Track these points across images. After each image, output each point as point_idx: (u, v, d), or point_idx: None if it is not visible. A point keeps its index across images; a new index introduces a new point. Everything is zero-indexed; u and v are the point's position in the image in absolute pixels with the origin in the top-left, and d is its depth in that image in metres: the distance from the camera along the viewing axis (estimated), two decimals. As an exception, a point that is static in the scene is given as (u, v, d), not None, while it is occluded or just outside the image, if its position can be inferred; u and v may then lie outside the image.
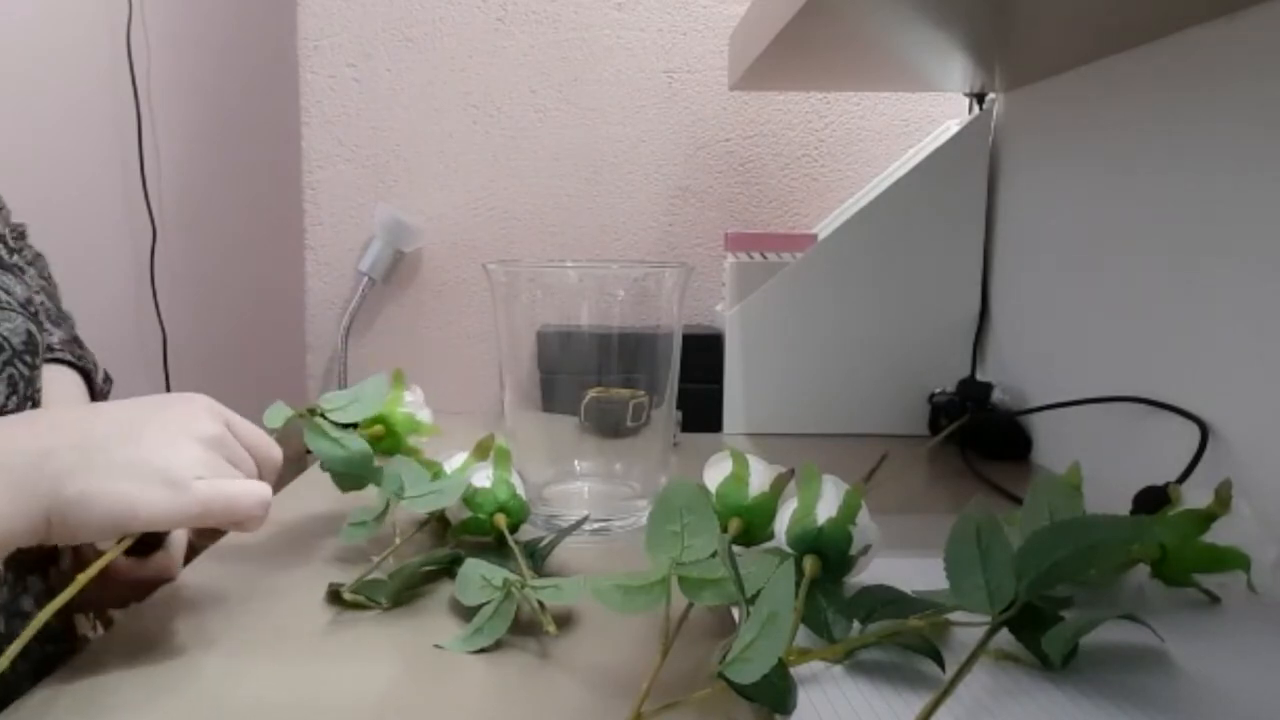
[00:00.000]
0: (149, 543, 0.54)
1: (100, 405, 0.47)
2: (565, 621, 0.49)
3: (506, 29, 1.11)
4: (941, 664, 0.42)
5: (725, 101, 1.13)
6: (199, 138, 1.56)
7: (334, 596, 0.52)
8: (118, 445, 0.42)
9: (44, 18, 1.45)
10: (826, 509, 0.49)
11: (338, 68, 1.11)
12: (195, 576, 0.56)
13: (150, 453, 0.43)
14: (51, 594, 0.62)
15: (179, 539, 0.56)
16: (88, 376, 0.69)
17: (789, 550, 0.49)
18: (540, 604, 0.47)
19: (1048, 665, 0.41)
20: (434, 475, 0.62)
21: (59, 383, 0.66)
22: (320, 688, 0.43)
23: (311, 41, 1.11)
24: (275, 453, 0.51)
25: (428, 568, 0.54)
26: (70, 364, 0.68)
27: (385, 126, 1.12)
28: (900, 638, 0.42)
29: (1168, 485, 0.60)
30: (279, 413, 0.59)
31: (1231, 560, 0.49)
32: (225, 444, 0.47)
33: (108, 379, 0.72)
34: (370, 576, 0.52)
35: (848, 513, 0.49)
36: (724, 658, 0.37)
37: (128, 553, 0.53)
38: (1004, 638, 0.40)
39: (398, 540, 0.55)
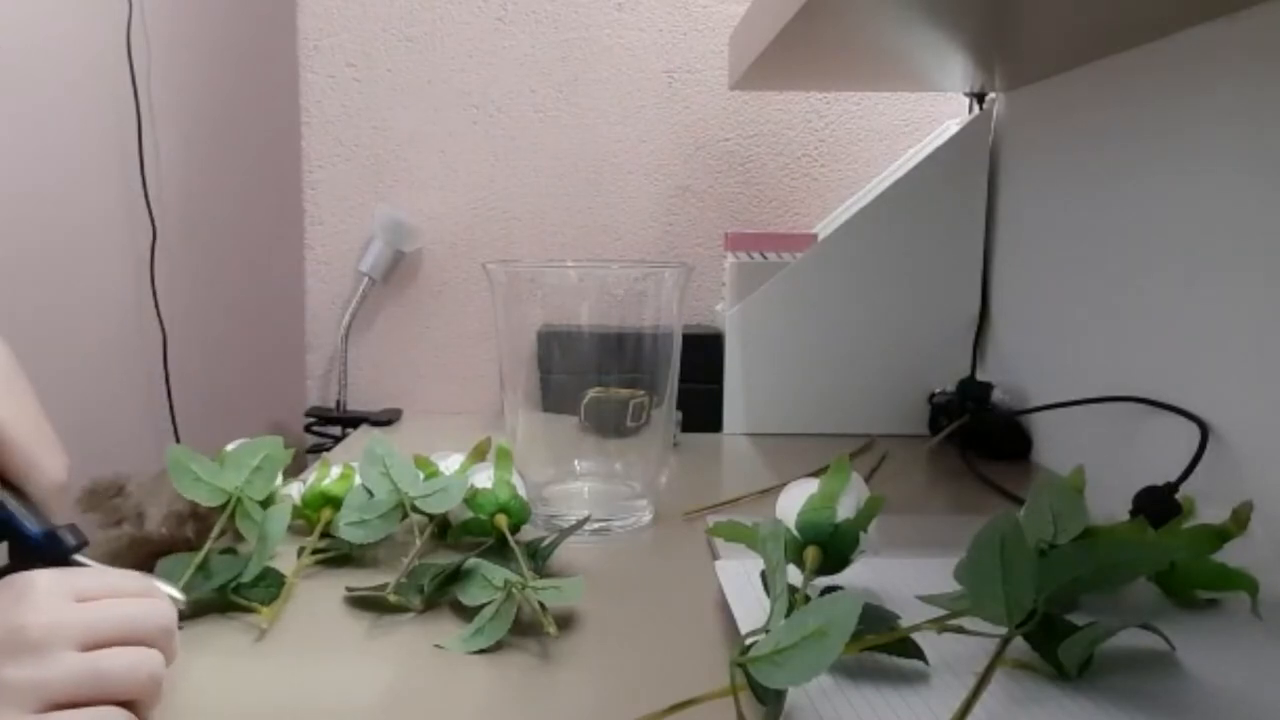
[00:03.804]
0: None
1: None
2: (566, 623, 0.49)
3: (506, 29, 1.11)
4: (924, 659, 0.42)
5: (725, 101, 1.13)
6: (199, 138, 1.56)
7: (357, 600, 0.52)
8: None
9: (43, 18, 1.45)
10: (846, 507, 0.49)
11: (338, 68, 1.11)
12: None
13: None
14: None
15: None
16: None
17: (792, 530, 0.48)
18: (541, 605, 0.47)
19: (1063, 674, 0.41)
20: (428, 476, 0.62)
21: None
22: (320, 688, 0.43)
23: (311, 41, 1.11)
24: (148, 623, 0.39)
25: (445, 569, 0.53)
26: None
27: (385, 126, 1.12)
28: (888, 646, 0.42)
29: (1167, 485, 0.60)
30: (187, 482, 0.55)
31: (1240, 583, 0.48)
32: (56, 641, 0.36)
33: None
34: (381, 579, 0.52)
35: (865, 518, 0.49)
36: (746, 649, 0.37)
37: None
38: (1016, 644, 0.40)
39: (418, 542, 0.55)
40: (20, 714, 0.34)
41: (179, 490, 0.55)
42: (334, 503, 0.60)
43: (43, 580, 0.38)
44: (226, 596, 0.50)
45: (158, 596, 0.41)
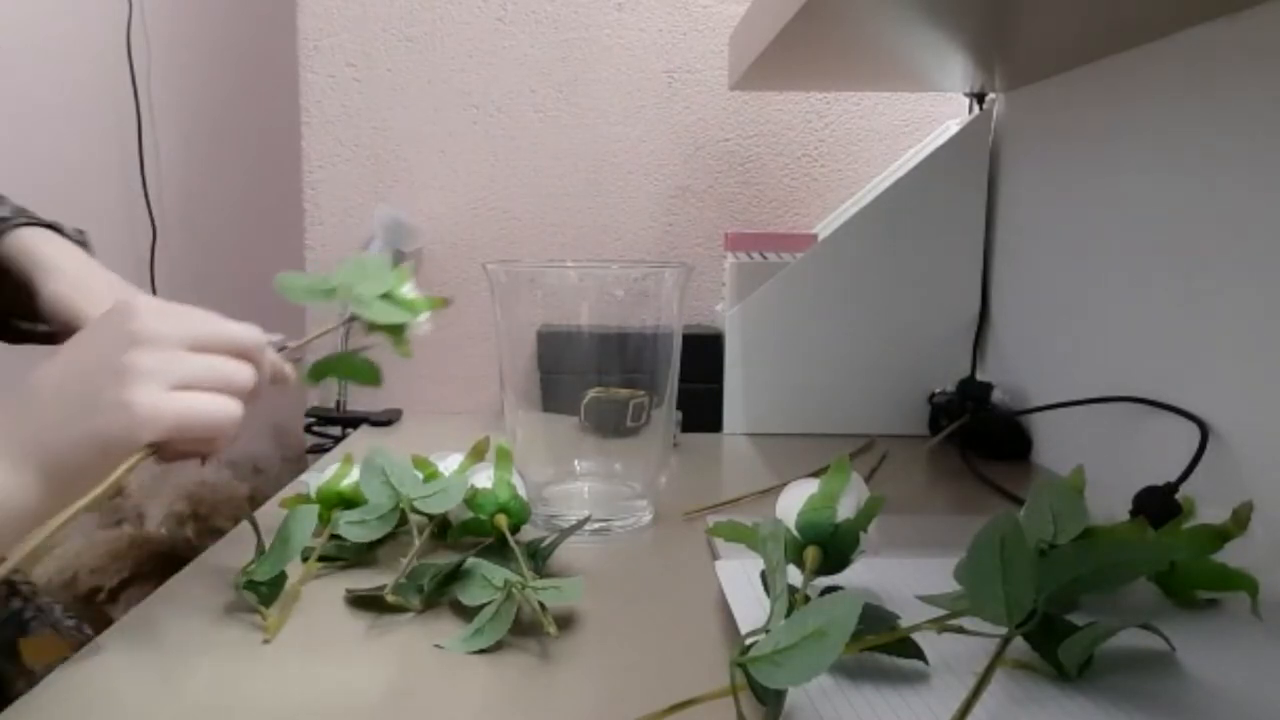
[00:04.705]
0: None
1: (42, 366, 0.45)
2: (566, 623, 0.49)
3: (506, 29, 1.11)
4: (924, 659, 0.42)
5: (725, 101, 1.13)
6: (199, 138, 1.56)
7: (357, 600, 0.52)
8: (69, 394, 0.43)
9: (44, 18, 1.45)
10: (846, 507, 0.49)
11: (338, 68, 1.11)
12: (194, 576, 0.56)
13: (101, 389, 0.43)
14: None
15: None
16: (57, 230, 0.68)
17: (791, 530, 0.48)
18: (541, 605, 0.47)
19: (1063, 674, 0.41)
20: (428, 476, 0.62)
21: (47, 243, 0.65)
22: (320, 688, 0.43)
23: (311, 41, 1.11)
24: (242, 337, 0.48)
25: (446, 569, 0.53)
26: (34, 224, 0.67)
27: (385, 126, 1.12)
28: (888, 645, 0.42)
29: (1167, 485, 0.60)
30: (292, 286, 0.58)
31: (1240, 583, 0.48)
32: (175, 359, 0.44)
33: (79, 231, 0.70)
34: (381, 579, 0.52)
35: (865, 518, 0.49)
36: (746, 649, 0.37)
37: None
38: (1016, 644, 0.40)
39: (417, 543, 0.55)
40: (160, 390, 0.42)
41: (289, 298, 0.55)
42: (346, 503, 0.60)
43: (142, 301, 0.45)
44: (238, 584, 0.50)
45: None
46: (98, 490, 0.41)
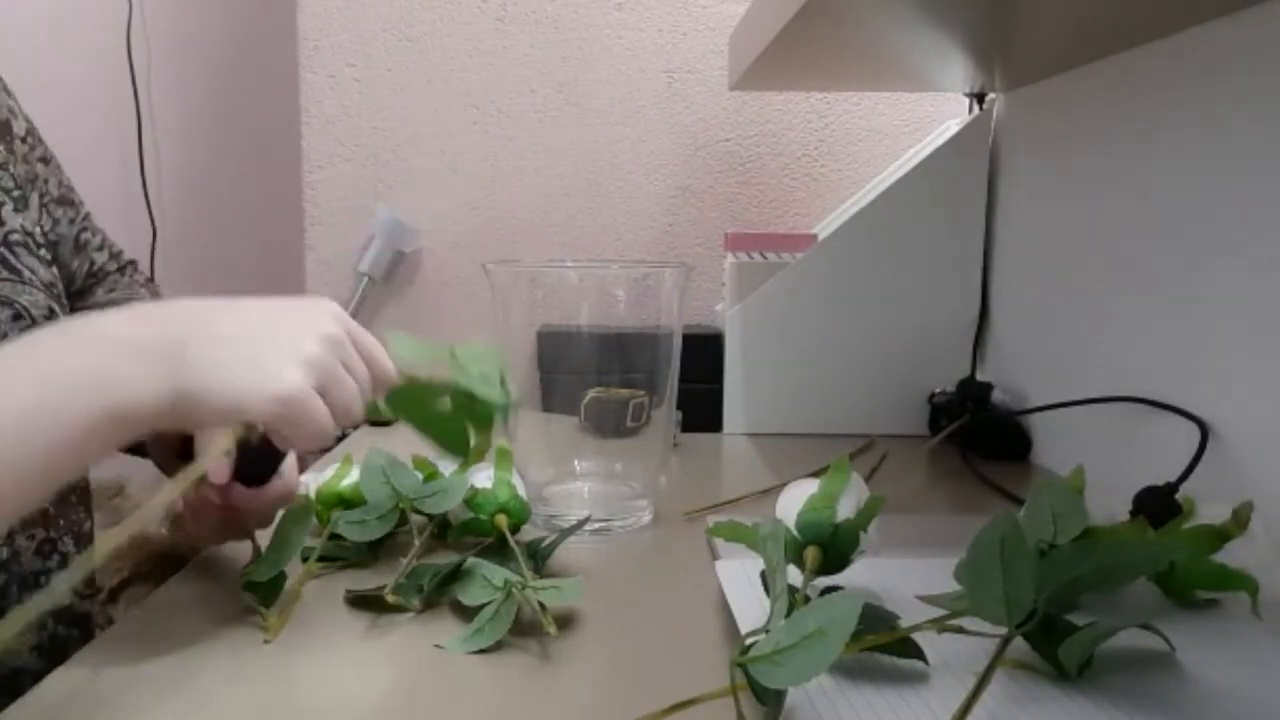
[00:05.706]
0: (263, 469, 0.54)
1: (234, 301, 0.49)
2: (566, 623, 0.49)
3: (506, 29, 1.11)
4: (924, 659, 0.42)
5: (725, 101, 1.13)
6: (199, 138, 1.56)
7: (357, 600, 0.52)
8: (242, 344, 0.46)
9: (44, 18, 1.45)
10: (846, 507, 0.49)
11: (338, 68, 1.11)
12: (197, 576, 0.56)
13: (269, 354, 0.46)
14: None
15: (291, 462, 0.56)
16: None
17: (791, 530, 0.48)
18: (541, 605, 0.47)
19: (1063, 674, 0.41)
20: (428, 476, 0.62)
21: None
22: (321, 688, 0.43)
23: (311, 41, 1.11)
24: (387, 365, 0.52)
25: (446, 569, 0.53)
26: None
27: (385, 126, 1.12)
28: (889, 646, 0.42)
29: (1167, 485, 0.60)
30: (403, 343, 0.55)
31: (1240, 583, 0.48)
32: (342, 348, 0.49)
33: None
34: (381, 579, 0.52)
35: (865, 518, 0.49)
36: (746, 649, 0.37)
37: (245, 481, 0.53)
38: (1016, 644, 0.40)
39: (417, 543, 0.55)
40: (309, 381, 0.45)
41: (397, 353, 0.54)
42: (346, 504, 0.60)
43: (335, 308, 0.51)
44: (239, 584, 0.50)
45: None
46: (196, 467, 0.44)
